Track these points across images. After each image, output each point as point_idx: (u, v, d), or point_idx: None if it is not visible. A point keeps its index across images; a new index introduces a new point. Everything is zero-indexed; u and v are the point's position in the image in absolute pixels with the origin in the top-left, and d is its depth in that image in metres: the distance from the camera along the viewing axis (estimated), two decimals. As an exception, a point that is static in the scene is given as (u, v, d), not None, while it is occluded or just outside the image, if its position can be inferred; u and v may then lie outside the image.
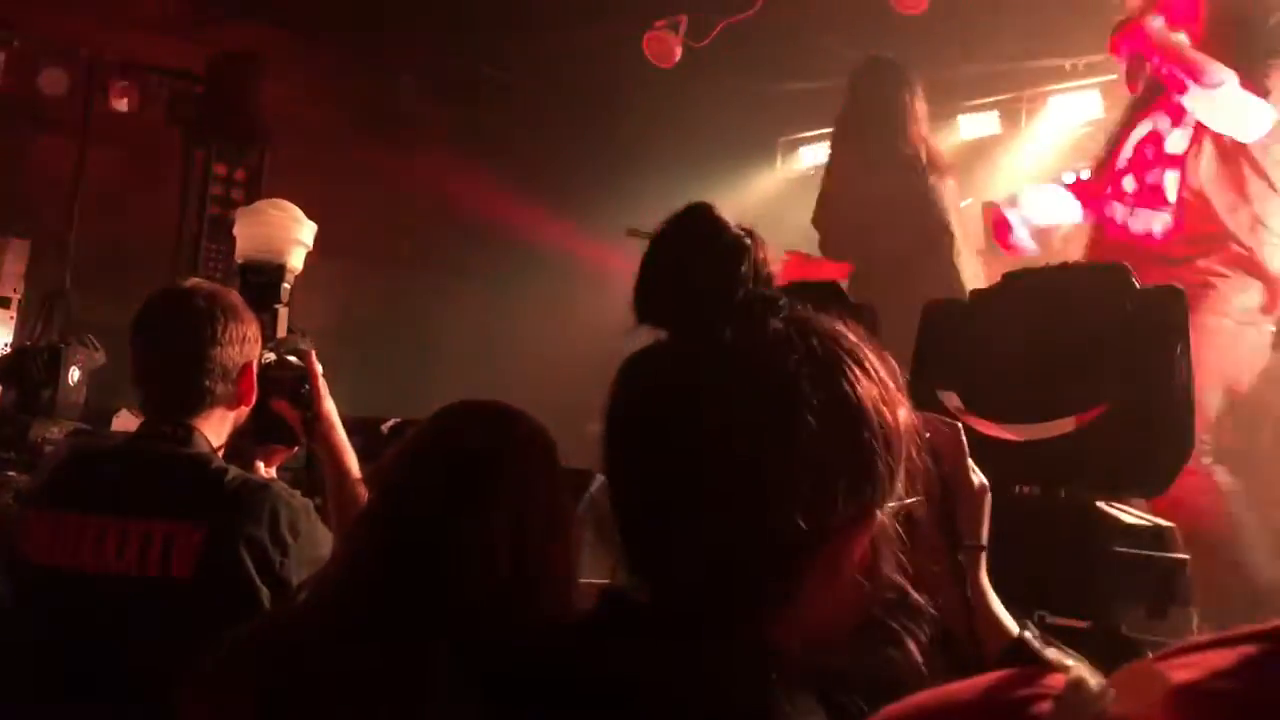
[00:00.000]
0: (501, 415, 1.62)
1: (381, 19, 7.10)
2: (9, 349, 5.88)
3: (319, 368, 2.33)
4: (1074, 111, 6.29)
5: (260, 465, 2.25)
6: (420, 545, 1.48)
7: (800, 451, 0.91)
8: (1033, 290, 2.05)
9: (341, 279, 7.18)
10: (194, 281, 2.15)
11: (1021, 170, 6.38)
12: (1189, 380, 1.77)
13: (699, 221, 1.02)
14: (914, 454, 0.98)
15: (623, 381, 1.02)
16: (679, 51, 6.08)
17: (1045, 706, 0.58)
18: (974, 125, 6.68)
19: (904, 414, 0.98)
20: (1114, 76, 6.13)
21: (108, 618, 1.90)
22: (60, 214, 6.65)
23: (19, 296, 6.32)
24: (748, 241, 0.99)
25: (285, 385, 2.27)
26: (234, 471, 2.01)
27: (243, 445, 2.24)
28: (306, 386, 2.27)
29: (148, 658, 1.82)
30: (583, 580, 2.35)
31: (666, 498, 0.96)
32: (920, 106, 4.55)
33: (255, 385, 2.15)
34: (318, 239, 2.65)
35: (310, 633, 1.50)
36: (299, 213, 2.45)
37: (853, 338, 0.99)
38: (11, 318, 6.25)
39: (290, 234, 2.41)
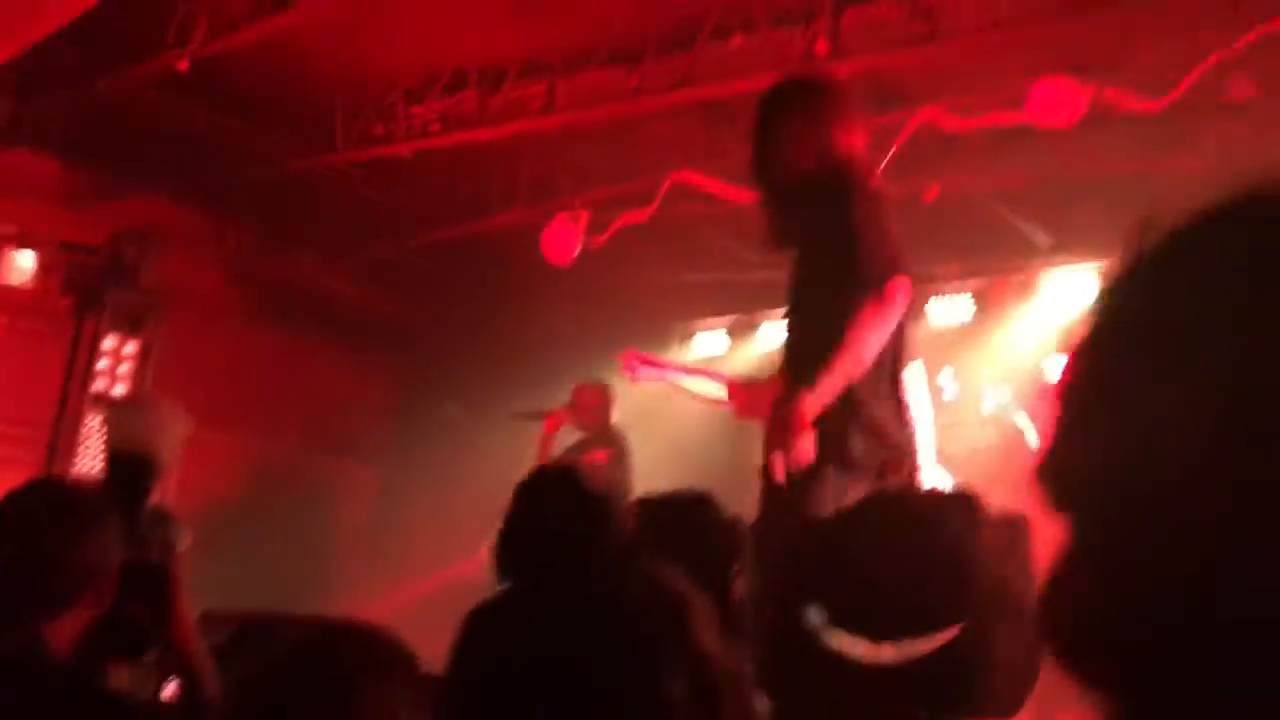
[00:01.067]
0: (358, 640, 1.61)
1: (286, 199, 7.22)
2: None
3: (181, 571, 2.30)
4: (947, 314, 6.62)
5: (109, 670, 2.19)
6: None
7: (653, 707, 0.94)
8: (896, 510, 2.13)
9: (229, 454, 7.08)
10: (58, 476, 2.14)
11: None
12: (1032, 608, 1.84)
13: (560, 483, 1.08)
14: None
15: (471, 640, 1.03)
16: (578, 247, 6.30)
17: None
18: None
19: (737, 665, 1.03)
20: (984, 281, 6.52)
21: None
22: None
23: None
24: (609, 501, 1.05)
25: (142, 587, 2.22)
26: (78, 679, 1.95)
27: (97, 650, 2.18)
28: (165, 590, 2.22)
29: None
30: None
31: None
32: None
33: (113, 587, 2.11)
34: (208, 412, 2.65)
35: None
36: (175, 408, 2.46)
37: (690, 594, 1.03)
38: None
39: (163, 430, 2.41)
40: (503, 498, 5.46)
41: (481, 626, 1.03)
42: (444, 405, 8.32)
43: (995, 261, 6.49)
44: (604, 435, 6.00)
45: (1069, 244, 6.28)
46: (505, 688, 0.98)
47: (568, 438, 6.06)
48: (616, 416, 6.06)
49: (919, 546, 2.18)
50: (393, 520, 7.89)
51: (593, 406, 6.02)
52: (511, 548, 1.03)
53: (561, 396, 6.84)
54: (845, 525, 2.33)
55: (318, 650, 1.59)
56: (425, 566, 7.39)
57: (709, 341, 7.83)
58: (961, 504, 2.25)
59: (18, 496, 2.14)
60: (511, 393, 7.55)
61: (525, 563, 1.03)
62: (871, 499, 2.32)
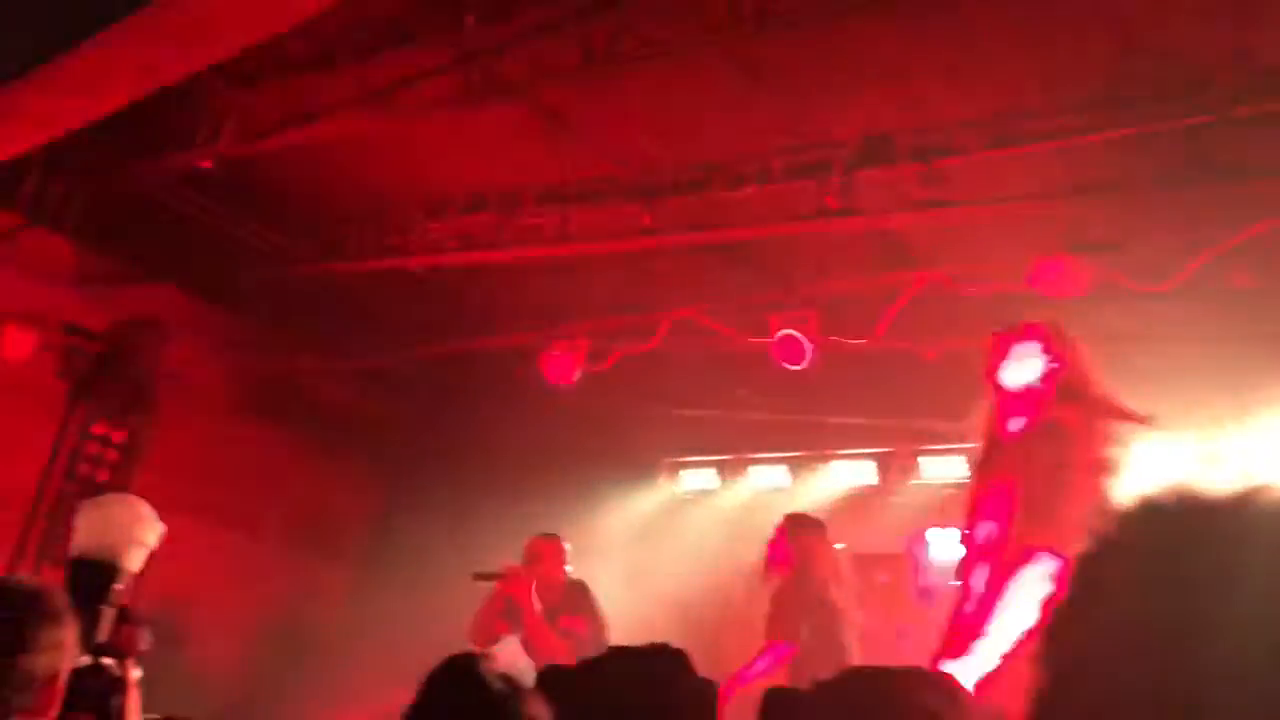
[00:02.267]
0: None
1: (292, 300, 7.27)
2: None
3: (138, 675, 2.24)
4: (944, 471, 6.59)
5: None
6: None
7: None
8: (869, 687, 2.12)
9: (206, 547, 6.96)
10: (17, 578, 2.09)
11: (891, 522, 6.59)
12: None
13: (465, 678, 1.07)
14: None
15: None
16: (577, 372, 6.32)
17: None
18: (849, 473, 6.95)
19: None
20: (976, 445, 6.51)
21: None
22: (-81, 451, 6.42)
23: None
24: (514, 701, 1.03)
25: (94, 695, 2.16)
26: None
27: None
28: (117, 699, 2.16)
29: None
30: None
31: None
32: (831, 550, 5.41)
33: (61, 696, 2.05)
34: (191, 504, 2.61)
35: None
36: (145, 511, 2.42)
37: None
38: None
39: (131, 534, 2.37)
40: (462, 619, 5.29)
41: None
42: (430, 518, 8.25)
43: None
44: (570, 595, 5.76)
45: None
46: None
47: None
48: (570, 567, 5.89)
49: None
50: (365, 627, 7.73)
51: (550, 561, 5.80)
52: None
53: (547, 516, 6.76)
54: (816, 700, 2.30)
55: None
56: (389, 679, 7.23)
57: (697, 479, 7.78)
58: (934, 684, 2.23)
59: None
60: (495, 511, 7.49)
61: None
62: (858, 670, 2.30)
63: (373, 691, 7.26)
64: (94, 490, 6.32)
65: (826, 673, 4.34)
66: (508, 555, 6.42)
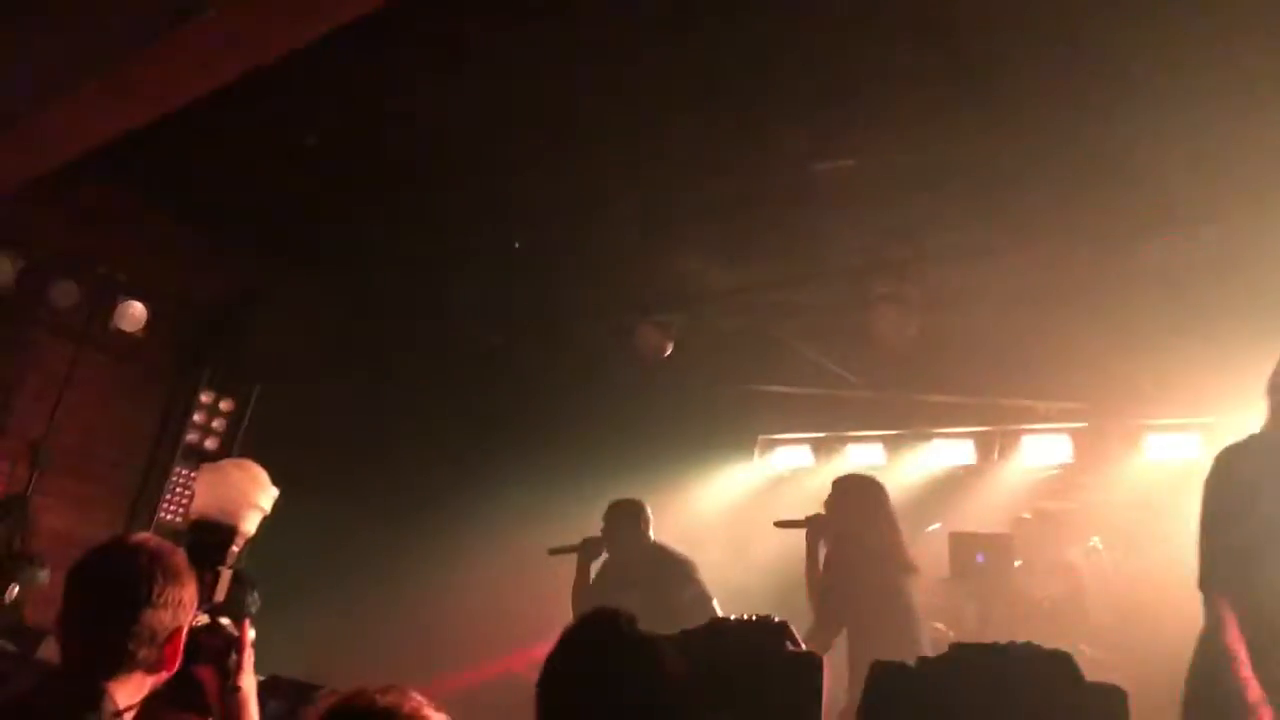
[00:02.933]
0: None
1: (384, 269, 7.36)
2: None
3: (252, 635, 2.29)
4: (1044, 452, 6.45)
5: (170, 732, 2.17)
6: None
7: None
8: (979, 665, 2.08)
9: (309, 521, 7.12)
10: (141, 537, 2.15)
11: (992, 501, 6.47)
12: None
13: (602, 631, 1.06)
14: None
15: None
16: (669, 348, 6.30)
17: None
18: (948, 452, 6.83)
19: None
20: (1084, 424, 6.35)
21: None
22: (40, 417, 6.67)
23: (-16, 496, 6.25)
24: (651, 651, 1.03)
25: (212, 652, 2.22)
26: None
27: (156, 708, 2.17)
28: (234, 655, 2.22)
29: None
30: None
31: None
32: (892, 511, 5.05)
33: (180, 651, 2.10)
34: (293, 477, 2.66)
35: None
36: (263, 476, 2.48)
37: None
38: (-31, 517, 6.16)
39: (249, 498, 2.42)
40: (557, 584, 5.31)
41: None
42: (516, 491, 8.33)
43: (1098, 408, 6.31)
44: (646, 561, 5.69)
45: (1173, 397, 6.10)
46: None
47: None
48: (652, 532, 5.80)
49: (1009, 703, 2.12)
50: (463, 595, 7.85)
51: (628, 528, 5.75)
52: (553, 694, 1.02)
53: (643, 491, 6.78)
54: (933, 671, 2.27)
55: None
56: (487, 644, 7.37)
57: (792, 456, 7.73)
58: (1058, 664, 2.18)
59: (98, 554, 2.16)
60: (593, 483, 7.53)
61: (567, 710, 1.02)
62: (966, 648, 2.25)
63: (470, 655, 7.42)
64: (202, 458, 6.53)
65: (890, 641, 4.27)
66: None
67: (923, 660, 2.32)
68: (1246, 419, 5.73)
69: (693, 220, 5.75)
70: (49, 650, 4.40)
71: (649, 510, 5.83)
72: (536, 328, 7.27)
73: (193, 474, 6.48)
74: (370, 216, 6.87)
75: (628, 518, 5.78)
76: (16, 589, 4.39)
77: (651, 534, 5.81)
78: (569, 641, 1.09)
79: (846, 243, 5.54)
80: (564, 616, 6.41)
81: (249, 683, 2.23)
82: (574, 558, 5.85)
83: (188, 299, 7.02)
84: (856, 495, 5.06)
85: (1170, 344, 5.67)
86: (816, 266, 5.77)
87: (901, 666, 2.31)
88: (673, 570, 5.55)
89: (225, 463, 2.58)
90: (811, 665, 2.15)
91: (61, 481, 6.64)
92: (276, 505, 2.69)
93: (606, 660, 1.08)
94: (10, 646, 4.17)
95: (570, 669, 1.08)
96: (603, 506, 6.05)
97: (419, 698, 1.63)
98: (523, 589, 7.45)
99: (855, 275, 5.64)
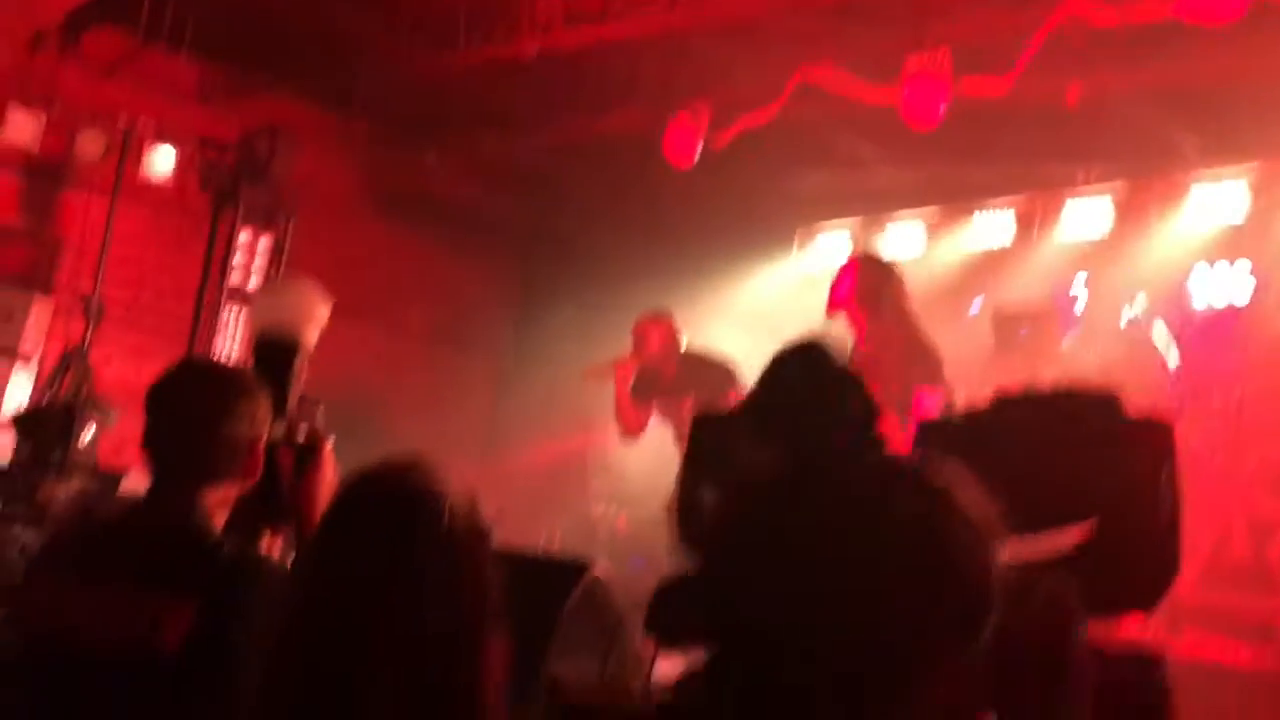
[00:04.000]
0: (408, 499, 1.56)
1: (411, 98, 7.26)
2: (26, 406, 5.95)
3: (329, 444, 2.37)
4: (1086, 219, 6.36)
5: (265, 541, 2.28)
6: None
7: (892, 589, 0.96)
8: (1023, 413, 2.10)
9: (353, 347, 7.25)
10: (210, 357, 2.21)
11: (1034, 274, 6.44)
12: (1174, 506, 1.82)
13: (804, 356, 1.07)
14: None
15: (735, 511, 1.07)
16: (699, 149, 6.20)
17: None
18: (988, 226, 6.75)
19: (994, 563, 1.01)
20: (1125, 186, 6.25)
21: (94, 689, 1.92)
22: (86, 272, 6.77)
23: (39, 353, 6.41)
24: (849, 378, 1.04)
25: (290, 460, 2.30)
26: (230, 546, 2.04)
27: (246, 520, 2.27)
28: (312, 467, 2.30)
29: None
30: (570, 672, 2.36)
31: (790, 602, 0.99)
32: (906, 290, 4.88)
33: (261, 462, 2.19)
34: (335, 305, 2.70)
35: None
36: (316, 291, 2.51)
37: (945, 480, 1.03)
38: (31, 374, 6.33)
39: (305, 312, 2.47)
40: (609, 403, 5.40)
41: (739, 495, 1.07)
42: (560, 307, 8.39)
43: (1139, 166, 6.18)
44: (684, 370, 5.74)
45: (1219, 149, 5.96)
46: (759, 556, 1.01)
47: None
48: (684, 344, 5.83)
49: (1063, 443, 2.15)
50: (510, 415, 8.03)
51: (658, 342, 5.78)
52: (758, 416, 1.04)
53: (680, 299, 6.80)
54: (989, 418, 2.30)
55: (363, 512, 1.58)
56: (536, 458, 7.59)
57: (832, 244, 7.67)
58: (1106, 406, 2.19)
59: (173, 375, 2.23)
60: (629, 293, 7.57)
61: (773, 430, 1.04)
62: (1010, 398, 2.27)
63: (522, 471, 7.64)
64: (247, 296, 6.62)
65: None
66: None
67: (968, 413, 2.34)
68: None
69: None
70: (128, 488, 4.60)
71: (675, 320, 5.87)
72: (570, 138, 7.16)
73: (242, 312, 6.58)
74: (389, 46, 6.73)
75: (657, 328, 5.83)
76: (91, 432, 4.55)
77: (685, 342, 5.87)
78: (776, 367, 1.11)
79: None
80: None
81: (325, 490, 2.30)
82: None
83: (213, 140, 6.99)
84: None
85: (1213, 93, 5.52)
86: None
87: (945, 421, 2.35)
88: (711, 374, 5.61)
89: (277, 281, 2.61)
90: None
91: (115, 334, 6.79)
92: (324, 333, 2.74)
93: (810, 383, 1.10)
94: (93, 486, 4.35)
95: (774, 392, 1.10)
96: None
97: (446, 476, 1.61)
98: (570, 404, 7.60)
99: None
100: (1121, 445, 1.90)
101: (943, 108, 5.24)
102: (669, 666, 2.41)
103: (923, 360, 4.48)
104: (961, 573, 0.98)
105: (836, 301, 4.78)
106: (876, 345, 4.67)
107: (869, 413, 0.95)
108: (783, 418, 0.97)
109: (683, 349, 5.82)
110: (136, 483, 4.50)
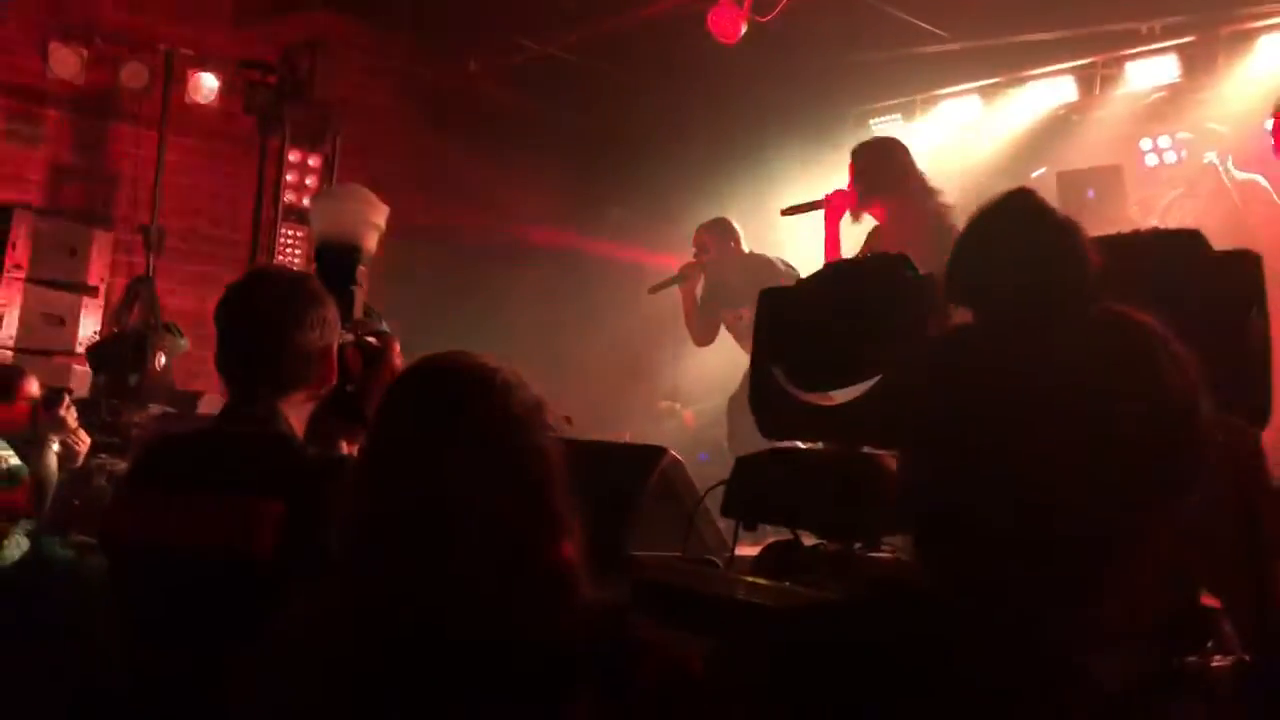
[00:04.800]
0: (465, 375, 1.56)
1: (445, 4, 7.15)
2: (98, 336, 6.06)
3: (397, 345, 2.38)
4: (1151, 76, 6.13)
5: (344, 445, 2.30)
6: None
7: (1116, 441, 0.91)
8: (837, 277, 2.16)
9: (407, 259, 7.27)
10: (275, 266, 2.21)
11: (1098, 137, 6.24)
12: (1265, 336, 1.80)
13: (1024, 205, 1.02)
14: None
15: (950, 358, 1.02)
16: (743, 27, 6.04)
17: None
18: (1049, 91, 6.54)
19: (1206, 412, 0.96)
20: (1191, 39, 5.98)
21: (195, 591, 1.96)
22: (142, 204, 6.83)
23: (105, 285, 6.51)
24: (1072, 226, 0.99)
25: (362, 364, 2.31)
26: (314, 450, 2.06)
27: (327, 424, 2.29)
28: (383, 364, 2.31)
29: (232, 631, 1.87)
30: (651, 554, 2.38)
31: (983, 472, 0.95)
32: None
33: (335, 366, 2.20)
34: (388, 220, 2.69)
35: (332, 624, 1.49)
36: (371, 196, 2.50)
37: (1161, 331, 0.98)
38: (100, 306, 6.44)
39: (363, 217, 2.46)
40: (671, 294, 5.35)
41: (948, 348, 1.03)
42: (609, 209, 8.32)
43: (1204, 13, 5.90)
44: (748, 274, 5.48)
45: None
46: (971, 411, 0.97)
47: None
48: (746, 246, 5.76)
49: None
50: (564, 317, 8.01)
51: (715, 249, 5.72)
52: (963, 272, 0.98)
53: (733, 198, 6.69)
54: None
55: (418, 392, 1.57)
56: (599, 362, 7.60)
57: (885, 128, 7.48)
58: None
59: (240, 286, 2.24)
60: (681, 194, 7.47)
61: (982, 288, 0.99)
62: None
63: (588, 377, 7.67)
64: (302, 216, 6.64)
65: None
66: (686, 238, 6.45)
67: (800, 280, 2.31)
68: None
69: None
70: (205, 408, 4.68)
71: (735, 224, 5.80)
72: (614, 29, 6.98)
73: (299, 233, 6.62)
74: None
75: (715, 236, 5.77)
76: (164, 357, 4.63)
77: (745, 246, 5.80)
78: (986, 213, 1.06)
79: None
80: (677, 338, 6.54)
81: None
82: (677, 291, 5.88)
83: (253, 62, 6.96)
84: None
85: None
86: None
87: (781, 289, 2.35)
88: (775, 276, 5.54)
89: (335, 187, 2.61)
90: (929, 284, 2.12)
91: (176, 265, 6.87)
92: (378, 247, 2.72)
93: (1027, 236, 1.05)
94: (171, 409, 4.44)
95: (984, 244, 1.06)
96: (702, 215, 6.05)
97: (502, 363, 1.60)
98: (628, 312, 7.58)
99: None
100: (1214, 277, 1.85)
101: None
102: (747, 548, 2.43)
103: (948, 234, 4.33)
104: (1178, 420, 0.93)
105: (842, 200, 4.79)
106: (898, 225, 4.58)
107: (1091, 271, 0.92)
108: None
109: (744, 253, 5.76)
110: (212, 407, 4.59)
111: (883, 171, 4.75)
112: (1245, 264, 1.79)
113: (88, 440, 3.76)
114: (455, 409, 1.51)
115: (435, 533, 1.43)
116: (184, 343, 4.77)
